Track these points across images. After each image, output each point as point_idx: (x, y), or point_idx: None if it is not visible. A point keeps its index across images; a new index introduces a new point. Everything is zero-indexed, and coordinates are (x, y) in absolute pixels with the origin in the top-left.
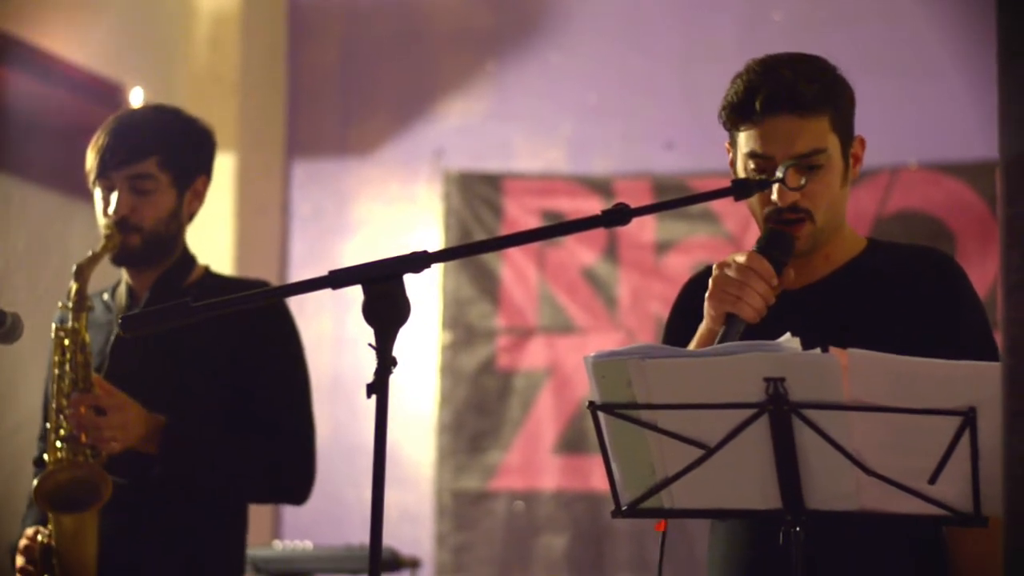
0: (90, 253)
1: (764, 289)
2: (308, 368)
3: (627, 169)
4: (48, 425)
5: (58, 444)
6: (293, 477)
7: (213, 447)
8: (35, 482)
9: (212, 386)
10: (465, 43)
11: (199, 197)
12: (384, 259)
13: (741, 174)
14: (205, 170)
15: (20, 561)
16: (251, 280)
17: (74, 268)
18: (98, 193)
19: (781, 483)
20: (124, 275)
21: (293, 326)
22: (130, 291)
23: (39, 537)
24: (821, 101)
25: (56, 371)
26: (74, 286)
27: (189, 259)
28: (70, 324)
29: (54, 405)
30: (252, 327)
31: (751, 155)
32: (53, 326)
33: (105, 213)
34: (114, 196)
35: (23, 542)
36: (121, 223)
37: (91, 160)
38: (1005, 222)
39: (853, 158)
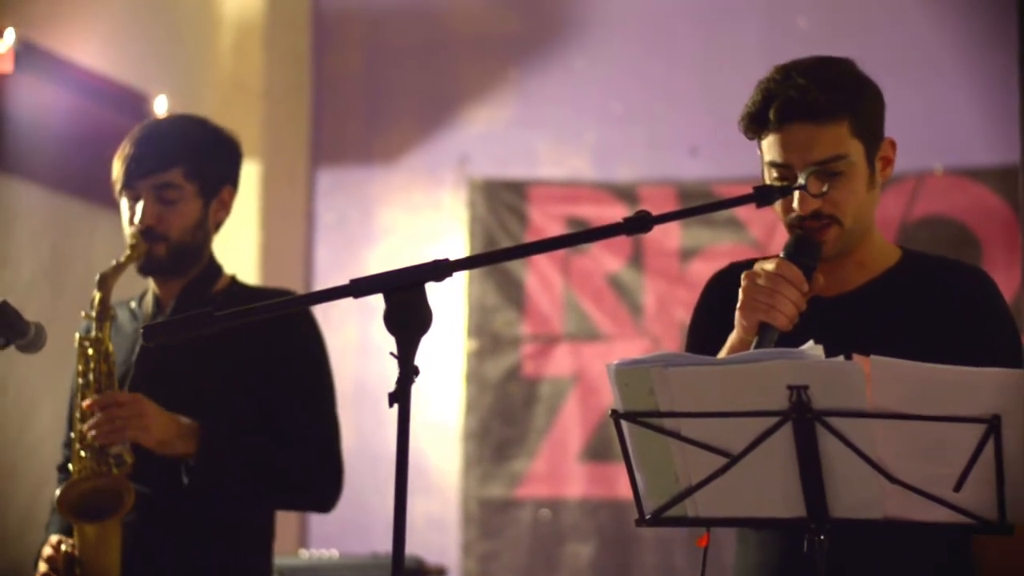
0: (114, 262)
1: (795, 296)
2: (333, 376)
3: (652, 176)
4: (72, 434)
5: (82, 453)
6: (321, 485)
7: (246, 452)
8: (58, 491)
9: (238, 394)
10: (489, 50)
11: (225, 207)
12: (406, 267)
13: (767, 182)
14: (231, 180)
15: (43, 568)
16: (276, 289)
17: (97, 277)
18: (124, 203)
19: (805, 491)
20: (151, 284)
21: (319, 334)
22: (156, 300)
23: (62, 547)
24: (838, 107)
25: (80, 380)
26: (97, 295)
27: (216, 268)
28: (93, 334)
29: (78, 415)
30: (278, 335)
31: (772, 164)
32: (77, 336)
33: (131, 223)
34: (139, 206)
35: (46, 551)
36: (147, 232)
37: (117, 170)
38: None
39: (883, 161)
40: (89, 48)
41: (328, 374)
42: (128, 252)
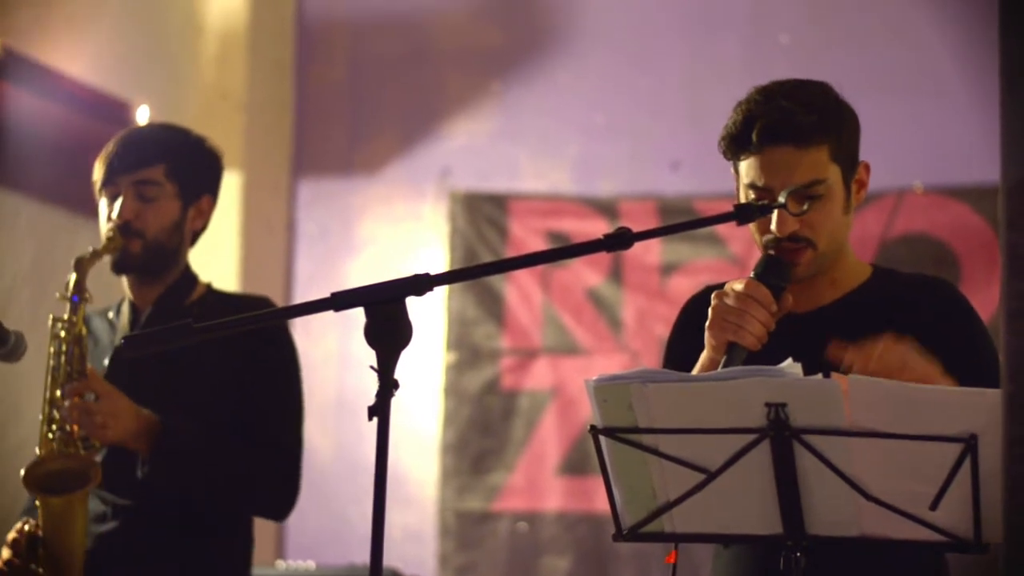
0: (91, 249)
1: (764, 316)
2: (303, 388)
3: (633, 190)
4: (40, 417)
5: (50, 436)
6: (277, 493)
7: (202, 451)
8: (23, 469)
9: (209, 402)
10: (472, 63)
11: (203, 216)
12: (386, 281)
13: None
14: (211, 190)
15: (7, 554)
16: (253, 296)
17: (73, 260)
18: (103, 202)
19: (782, 508)
20: (127, 292)
21: (291, 345)
22: (133, 307)
23: (26, 528)
24: (820, 131)
25: (51, 362)
26: (73, 276)
27: (191, 277)
28: (67, 316)
29: (47, 396)
30: (251, 345)
31: (751, 186)
32: (51, 317)
33: (109, 218)
34: (118, 202)
35: (10, 535)
36: (123, 228)
37: (98, 170)
38: (1006, 249)
39: (857, 184)
40: (72, 57)
41: (298, 386)
42: (105, 243)
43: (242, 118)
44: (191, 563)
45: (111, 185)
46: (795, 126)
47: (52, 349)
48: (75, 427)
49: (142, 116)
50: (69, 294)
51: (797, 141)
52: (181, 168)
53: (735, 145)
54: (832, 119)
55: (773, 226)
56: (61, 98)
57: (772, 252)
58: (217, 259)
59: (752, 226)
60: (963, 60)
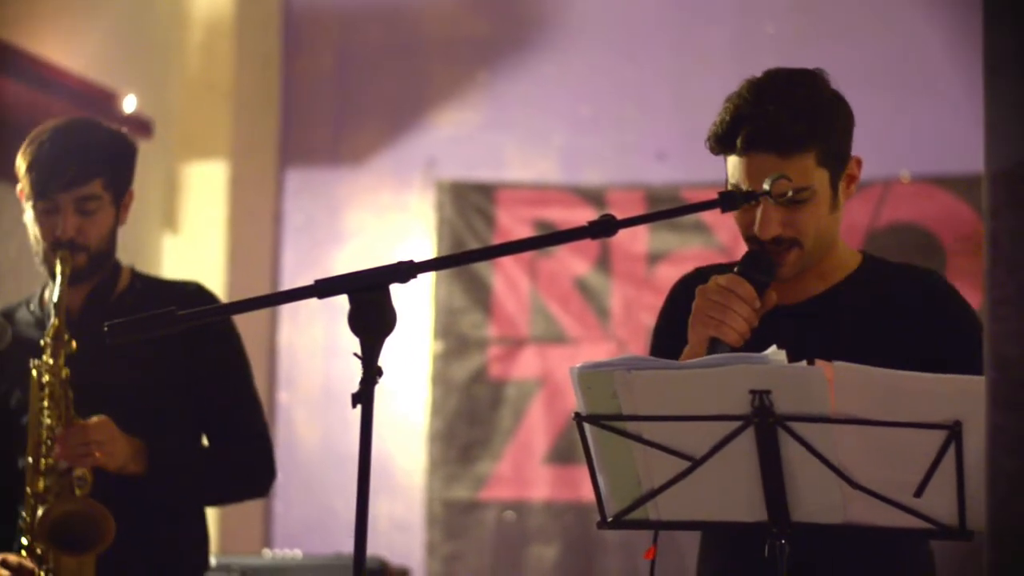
0: (59, 284)
1: (746, 312)
2: (250, 363)
3: (620, 179)
4: (30, 459)
5: (42, 482)
6: (260, 476)
7: (192, 465)
8: (38, 514)
9: (166, 393)
10: (458, 53)
11: (127, 208)
12: (370, 269)
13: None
14: (131, 182)
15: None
16: (182, 282)
17: (54, 302)
18: (33, 213)
19: (767, 495)
20: (50, 286)
21: (232, 324)
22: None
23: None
24: (806, 139)
25: (37, 405)
26: (55, 322)
27: (116, 266)
28: (49, 359)
29: (33, 439)
30: (202, 338)
31: (736, 188)
32: (32, 362)
33: (46, 236)
34: (59, 220)
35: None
36: (68, 244)
37: (28, 178)
38: (989, 236)
39: (848, 179)
40: (58, 46)
41: (248, 365)
42: (61, 267)
43: (229, 108)
44: (151, 553)
45: (46, 200)
46: (780, 135)
47: (35, 392)
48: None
49: (129, 106)
50: (50, 339)
51: (782, 150)
52: (116, 175)
53: (720, 145)
54: (821, 124)
55: (756, 228)
56: (50, 88)
57: (755, 248)
58: (204, 250)
59: (737, 219)
60: (950, 49)
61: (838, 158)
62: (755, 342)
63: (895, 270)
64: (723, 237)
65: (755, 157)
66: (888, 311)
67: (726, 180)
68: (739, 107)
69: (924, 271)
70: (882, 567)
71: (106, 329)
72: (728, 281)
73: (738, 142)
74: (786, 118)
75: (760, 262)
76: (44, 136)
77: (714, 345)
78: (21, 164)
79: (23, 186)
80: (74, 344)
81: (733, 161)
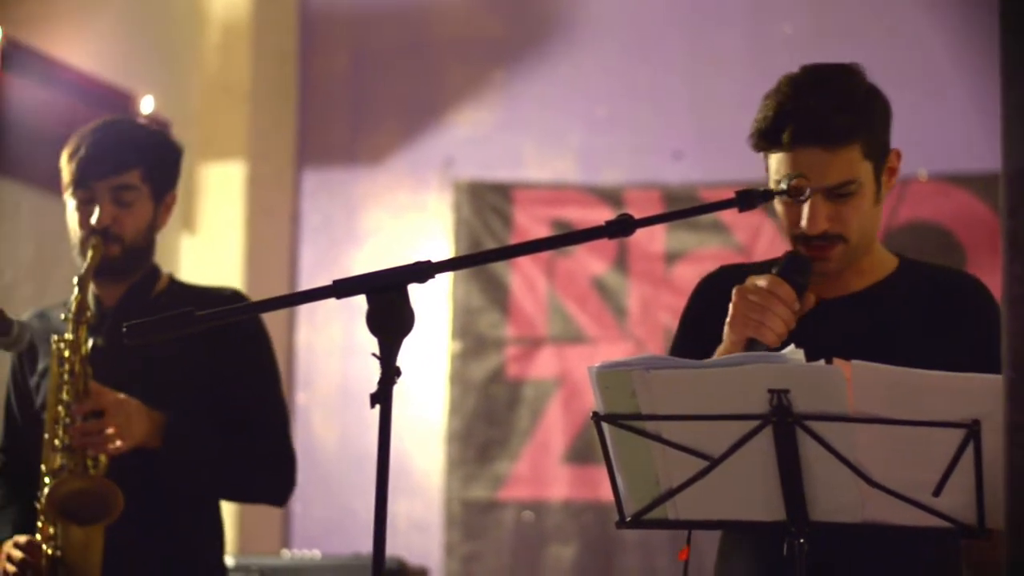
0: (85, 264)
1: (786, 314)
2: (280, 370)
3: (637, 179)
4: (46, 435)
5: (58, 458)
6: (278, 477)
7: (210, 448)
8: (45, 491)
9: (190, 392)
10: (475, 53)
11: (168, 210)
12: (388, 269)
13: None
14: (175, 184)
15: (12, 569)
16: (217, 288)
17: (76, 279)
18: (73, 203)
19: (785, 495)
20: (90, 288)
21: (263, 328)
22: (98, 301)
23: (44, 547)
24: (852, 131)
25: (55, 381)
26: (76, 297)
27: (155, 269)
28: (70, 335)
29: (51, 415)
30: (231, 338)
31: (781, 183)
32: (54, 337)
33: (82, 224)
34: (95, 207)
35: (14, 552)
36: (103, 233)
37: (68, 169)
38: (1007, 235)
39: (888, 172)
40: (75, 47)
41: (276, 369)
42: (92, 252)
43: (246, 109)
44: (168, 548)
45: (84, 189)
46: (827, 128)
47: (55, 368)
48: (87, 448)
49: (146, 107)
50: (71, 314)
51: (828, 143)
52: (155, 169)
53: (765, 141)
54: (864, 116)
55: (803, 222)
56: (64, 88)
57: (799, 248)
58: (222, 250)
59: (783, 217)
60: (967, 48)
61: (881, 150)
62: (793, 338)
63: (934, 272)
64: (741, 236)
65: (802, 151)
66: (928, 312)
67: (767, 180)
68: (781, 103)
69: (963, 275)
70: (904, 567)
71: (124, 330)
72: (768, 282)
73: (784, 137)
74: (831, 111)
75: (800, 264)
76: (87, 130)
77: (752, 346)
78: (64, 157)
79: (64, 177)
80: (91, 314)
81: (778, 157)
